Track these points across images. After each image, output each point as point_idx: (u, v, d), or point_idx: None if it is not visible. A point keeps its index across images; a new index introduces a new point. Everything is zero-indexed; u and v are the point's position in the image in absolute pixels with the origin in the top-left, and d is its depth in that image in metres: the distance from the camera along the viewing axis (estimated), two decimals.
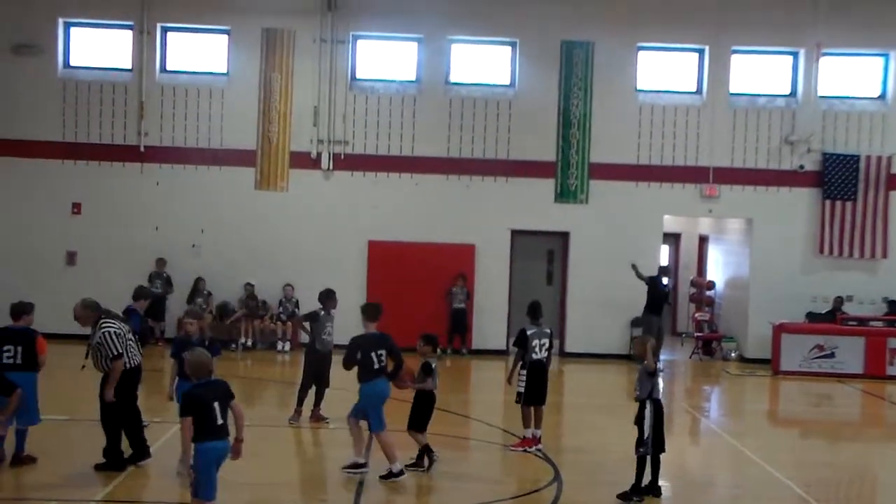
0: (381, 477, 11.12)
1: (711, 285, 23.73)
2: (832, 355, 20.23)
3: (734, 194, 21.77)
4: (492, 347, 21.30)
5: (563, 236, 21.86)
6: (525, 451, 12.77)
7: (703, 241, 25.60)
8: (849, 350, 20.19)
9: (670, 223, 23.08)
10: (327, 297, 14.07)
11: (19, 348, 11.15)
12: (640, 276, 19.95)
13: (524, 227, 21.68)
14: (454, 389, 18.88)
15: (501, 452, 13.02)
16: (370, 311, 11.70)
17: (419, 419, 11.70)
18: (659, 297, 20.47)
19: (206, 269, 20.97)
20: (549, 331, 13.22)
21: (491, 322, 21.41)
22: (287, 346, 20.74)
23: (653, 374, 10.80)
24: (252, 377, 17.99)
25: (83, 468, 11.06)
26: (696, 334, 22.79)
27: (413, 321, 19.85)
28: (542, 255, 22.29)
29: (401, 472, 11.15)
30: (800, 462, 13.48)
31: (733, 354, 22.08)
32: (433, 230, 21.27)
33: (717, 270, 24.07)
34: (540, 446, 12.83)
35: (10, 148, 21.02)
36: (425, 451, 11.67)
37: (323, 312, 14.02)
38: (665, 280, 21.07)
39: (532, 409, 12.95)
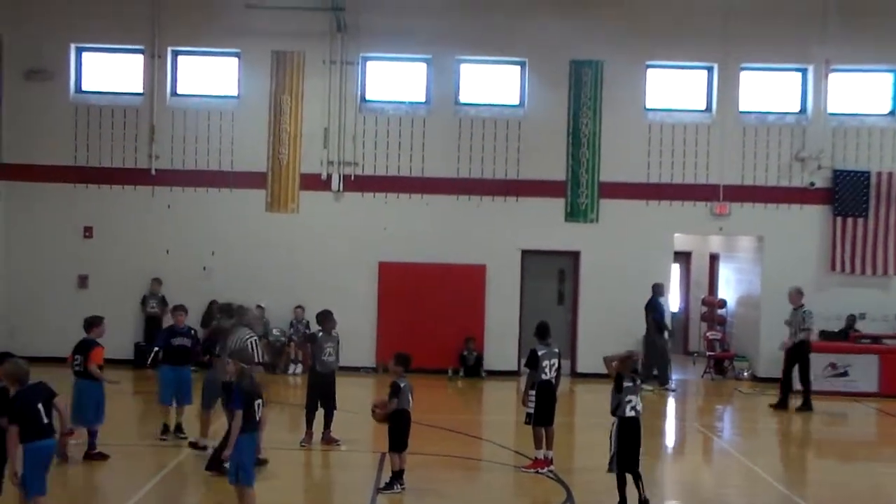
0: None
1: (723, 304, 23.64)
2: (845, 374, 20.13)
3: (745, 212, 21.73)
4: (503, 368, 21.24)
5: (574, 256, 21.83)
6: (537, 472, 12.74)
7: (713, 259, 25.52)
8: (862, 368, 20.10)
9: (681, 241, 23.02)
10: (325, 318, 14.10)
11: (81, 357, 12.57)
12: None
13: (534, 247, 21.66)
14: (466, 410, 18.88)
15: (513, 473, 12.98)
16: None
17: (397, 440, 11.71)
18: (661, 316, 20.51)
19: (217, 292, 20.92)
20: (557, 350, 13.23)
21: (502, 343, 21.36)
22: (298, 369, 20.72)
23: (619, 391, 10.87)
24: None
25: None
26: (707, 353, 22.69)
27: (424, 341, 19.96)
28: (553, 274, 22.25)
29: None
30: (813, 482, 13.44)
31: (745, 373, 21.99)
32: (443, 250, 21.27)
33: (729, 289, 23.98)
34: (552, 467, 12.80)
35: (23, 172, 21.12)
36: (399, 475, 11.66)
37: (322, 334, 14.06)
38: (662, 299, 20.88)
39: (543, 429, 12.92)
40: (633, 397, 10.89)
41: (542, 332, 13.21)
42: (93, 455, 12.51)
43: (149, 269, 21.07)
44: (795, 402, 18.45)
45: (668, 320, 21.31)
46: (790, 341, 18.65)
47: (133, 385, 19.60)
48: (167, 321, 20.79)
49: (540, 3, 21.12)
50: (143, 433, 14.87)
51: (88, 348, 12.61)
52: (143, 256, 21.16)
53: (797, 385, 18.65)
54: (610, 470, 10.89)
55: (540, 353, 12.94)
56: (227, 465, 10.61)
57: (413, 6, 21.27)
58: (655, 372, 20.42)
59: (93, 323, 12.93)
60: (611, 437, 10.90)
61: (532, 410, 12.93)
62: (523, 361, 21.49)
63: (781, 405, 18.43)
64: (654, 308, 20.57)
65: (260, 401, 9.95)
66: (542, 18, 21.19)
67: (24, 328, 20.33)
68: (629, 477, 10.91)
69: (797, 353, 18.57)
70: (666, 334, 20.84)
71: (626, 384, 10.92)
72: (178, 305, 14.80)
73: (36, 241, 21.15)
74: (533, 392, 12.96)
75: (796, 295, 18.84)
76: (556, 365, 13.05)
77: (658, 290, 20.72)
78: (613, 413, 10.93)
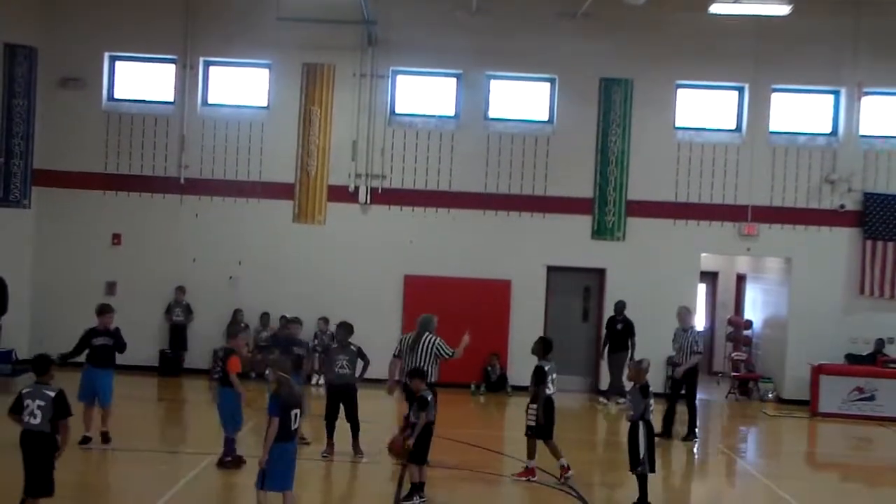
0: None
1: (749, 325, 23.48)
2: (872, 398, 19.88)
3: (773, 233, 21.59)
4: (526, 384, 20.99)
5: (600, 273, 21.75)
6: (529, 480, 13.03)
7: (740, 279, 25.35)
8: (890, 393, 19.80)
9: (708, 261, 22.89)
10: (337, 330, 14.46)
11: (222, 365, 13.08)
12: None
13: (560, 264, 21.60)
14: (488, 425, 18.83)
15: (533, 488, 12.94)
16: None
17: (419, 452, 11.72)
18: (614, 336, 20.15)
19: (243, 301, 21.05)
20: (555, 365, 13.60)
21: (525, 358, 21.11)
22: (322, 380, 20.66)
23: (646, 396, 11.61)
24: None
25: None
26: (732, 374, 22.53)
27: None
28: (578, 291, 22.15)
29: None
30: None
31: (770, 395, 21.78)
32: (469, 265, 21.25)
33: (755, 310, 23.81)
34: (570, 473, 13.02)
35: (55, 178, 21.29)
36: (419, 487, 11.64)
37: (335, 345, 14.28)
38: (619, 317, 20.29)
39: (541, 441, 13.21)
40: (652, 402, 11.77)
41: (548, 347, 13.60)
42: (225, 462, 12.73)
43: (176, 278, 21.16)
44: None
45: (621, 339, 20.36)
46: (683, 368, 16.86)
47: (158, 392, 19.74)
48: (191, 329, 21.07)
49: (571, 21, 21.10)
50: (173, 440, 14.94)
51: (227, 357, 12.99)
52: (170, 264, 21.24)
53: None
54: (643, 471, 11.47)
55: (546, 369, 13.23)
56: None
57: (444, 21, 21.29)
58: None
59: (235, 334, 13.77)
60: (637, 440, 11.46)
61: (533, 423, 13.15)
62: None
63: (665, 434, 16.43)
64: (607, 327, 20.47)
65: (297, 411, 9.94)
66: (572, 36, 21.18)
67: (52, 333, 20.44)
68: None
69: (687, 378, 16.94)
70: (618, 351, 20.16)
71: (651, 390, 11.78)
72: (293, 318, 15.33)
73: (65, 247, 21.28)
74: (534, 406, 13.22)
75: (686, 314, 17.34)
76: (555, 379, 13.49)
77: (616, 308, 20.41)
78: (640, 418, 11.52)
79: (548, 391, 13.14)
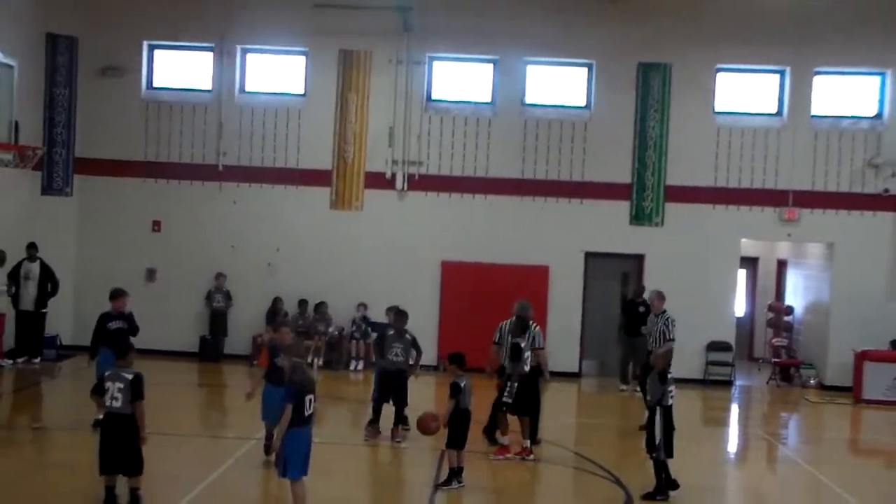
0: None
1: (790, 310, 23.23)
2: None
3: (815, 218, 21.31)
4: (564, 370, 21.00)
5: (638, 259, 21.60)
6: (519, 458, 13.32)
7: (781, 265, 25.10)
8: None
9: (748, 247, 22.68)
10: (394, 316, 14.66)
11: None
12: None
13: (598, 250, 21.48)
14: None
15: (572, 473, 12.94)
16: None
17: (456, 437, 11.80)
18: (632, 319, 19.90)
19: (281, 288, 21.15)
20: (530, 343, 13.93)
21: (564, 344, 21.08)
22: (360, 366, 20.75)
23: (664, 382, 11.62)
24: (327, 395, 18.06)
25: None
26: (773, 360, 22.32)
27: (486, 341, 19.81)
28: (617, 277, 22.04)
29: None
30: (884, 494, 13.09)
31: (812, 381, 21.53)
32: (507, 251, 21.19)
33: (797, 295, 23.55)
34: (532, 456, 13.36)
35: (96, 167, 21.51)
36: (458, 472, 11.69)
37: (391, 332, 14.37)
38: (640, 300, 20.12)
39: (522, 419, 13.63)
40: (672, 388, 11.75)
41: (525, 327, 13.92)
42: (267, 448, 12.57)
43: (214, 264, 21.29)
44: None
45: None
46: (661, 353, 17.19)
47: (198, 377, 19.92)
48: (231, 315, 21.21)
49: (608, 6, 20.88)
50: (214, 424, 15.08)
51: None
52: (209, 251, 21.39)
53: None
54: (658, 456, 11.52)
55: (521, 346, 13.59)
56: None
57: (480, 7, 21.20)
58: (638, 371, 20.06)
59: (278, 326, 13.81)
60: (654, 426, 11.54)
61: (510, 399, 13.43)
62: (584, 363, 21.59)
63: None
64: (625, 310, 20.38)
65: (311, 396, 9.96)
66: (609, 21, 21.00)
67: (94, 319, 20.63)
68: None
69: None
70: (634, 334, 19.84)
71: (670, 376, 11.76)
72: (393, 308, 15.24)
73: (106, 235, 21.51)
74: (515, 384, 13.46)
75: (658, 300, 17.00)
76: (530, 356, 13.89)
77: (635, 292, 20.49)
78: (658, 403, 11.60)
79: (525, 368, 13.59)
